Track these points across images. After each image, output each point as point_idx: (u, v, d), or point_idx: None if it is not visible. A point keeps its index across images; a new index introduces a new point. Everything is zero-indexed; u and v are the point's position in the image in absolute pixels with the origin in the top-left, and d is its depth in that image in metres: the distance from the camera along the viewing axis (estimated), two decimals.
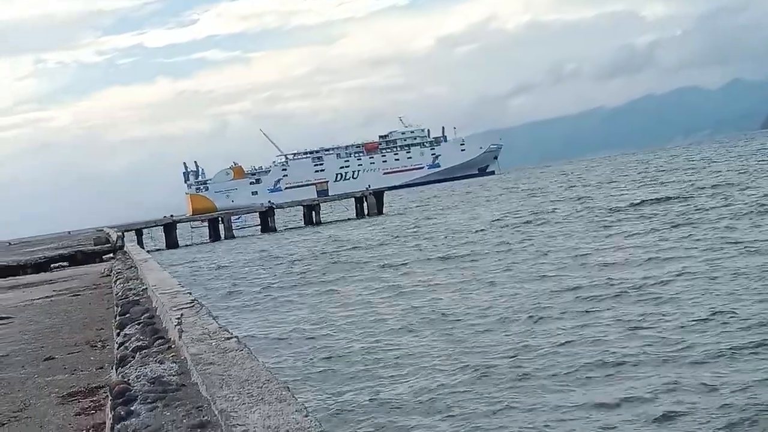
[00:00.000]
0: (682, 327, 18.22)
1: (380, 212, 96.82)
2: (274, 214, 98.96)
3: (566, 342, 18.28)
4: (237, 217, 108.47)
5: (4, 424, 6.56)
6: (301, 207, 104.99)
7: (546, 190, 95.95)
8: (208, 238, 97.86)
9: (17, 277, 27.65)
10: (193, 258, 66.77)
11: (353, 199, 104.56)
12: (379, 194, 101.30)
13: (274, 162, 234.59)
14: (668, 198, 54.77)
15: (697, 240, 32.86)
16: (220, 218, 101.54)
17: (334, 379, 17.93)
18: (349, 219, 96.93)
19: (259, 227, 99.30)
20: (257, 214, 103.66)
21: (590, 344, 17.86)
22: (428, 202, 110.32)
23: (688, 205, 48.42)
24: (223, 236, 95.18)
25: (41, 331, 12.09)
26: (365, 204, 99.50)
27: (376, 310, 26.59)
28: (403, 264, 39.36)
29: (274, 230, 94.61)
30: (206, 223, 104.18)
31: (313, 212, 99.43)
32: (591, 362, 16.34)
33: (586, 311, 21.52)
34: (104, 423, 5.59)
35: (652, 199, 55.43)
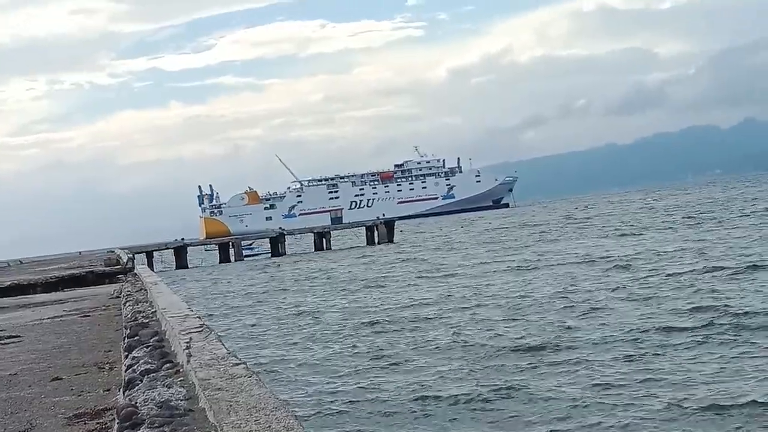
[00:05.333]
0: None
1: (391, 241, 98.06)
2: (284, 240, 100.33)
3: None
4: (249, 243, 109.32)
5: None
6: (312, 234, 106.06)
7: None
8: (218, 260, 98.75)
9: (28, 295, 27.67)
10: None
11: (364, 227, 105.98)
12: (390, 224, 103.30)
13: (288, 188, 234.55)
14: None
15: None
16: (230, 243, 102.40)
17: None
18: (357, 246, 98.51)
19: (270, 253, 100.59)
20: (268, 240, 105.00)
21: None
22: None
23: None
24: (233, 259, 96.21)
25: (49, 350, 12.08)
26: (376, 233, 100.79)
27: None
28: None
29: (284, 255, 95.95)
30: (217, 247, 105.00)
31: (324, 239, 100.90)
32: None
33: None
34: None
35: None
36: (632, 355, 20.16)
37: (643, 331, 22.89)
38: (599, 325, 24.87)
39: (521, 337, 24.01)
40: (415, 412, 17.08)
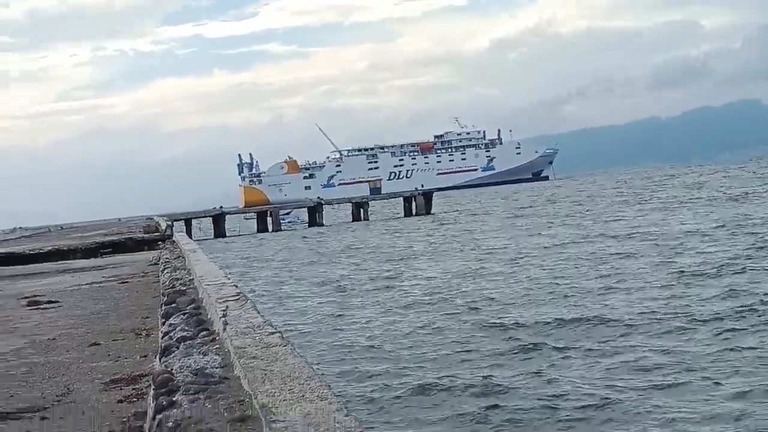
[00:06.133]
0: None
1: (428, 212, 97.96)
2: (322, 210, 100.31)
3: None
4: (287, 212, 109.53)
5: (47, 408, 6.61)
6: (350, 204, 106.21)
7: None
8: (255, 230, 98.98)
9: (68, 261, 27.92)
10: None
11: (402, 198, 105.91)
12: (428, 195, 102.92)
13: (328, 157, 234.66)
14: None
15: None
16: (268, 212, 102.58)
17: None
18: (394, 217, 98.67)
19: (307, 223, 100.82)
20: (306, 209, 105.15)
21: None
22: None
23: None
24: (270, 229, 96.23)
25: (88, 316, 12.18)
26: (414, 204, 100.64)
27: None
28: None
29: (321, 225, 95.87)
30: (255, 216, 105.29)
31: (361, 209, 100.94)
32: None
33: None
34: (146, 411, 5.60)
35: None
36: None
37: None
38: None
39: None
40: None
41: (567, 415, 14.69)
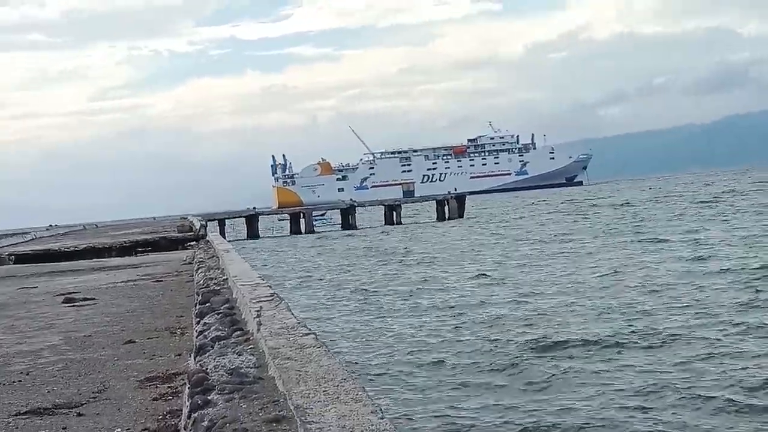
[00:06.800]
0: None
1: (461, 216, 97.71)
2: (355, 212, 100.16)
3: None
4: (321, 213, 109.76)
5: (83, 404, 6.68)
6: (382, 206, 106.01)
7: None
8: (288, 231, 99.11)
9: (103, 259, 28.13)
10: None
11: (435, 201, 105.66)
12: (461, 199, 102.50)
13: (361, 160, 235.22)
14: None
15: None
16: (302, 213, 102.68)
17: None
18: (427, 222, 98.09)
19: (339, 224, 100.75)
20: (338, 211, 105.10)
21: None
22: None
23: None
24: (303, 230, 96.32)
25: (123, 314, 12.29)
26: (447, 207, 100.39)
27: None
28: None
29: (354, 227, 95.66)
30: (288, 217, 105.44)
31: (394, 212, 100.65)
32: None
33: None
34: (181, 410, 5.66)
35: None
36: None
37: None
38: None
39: None
40: None
41: None
